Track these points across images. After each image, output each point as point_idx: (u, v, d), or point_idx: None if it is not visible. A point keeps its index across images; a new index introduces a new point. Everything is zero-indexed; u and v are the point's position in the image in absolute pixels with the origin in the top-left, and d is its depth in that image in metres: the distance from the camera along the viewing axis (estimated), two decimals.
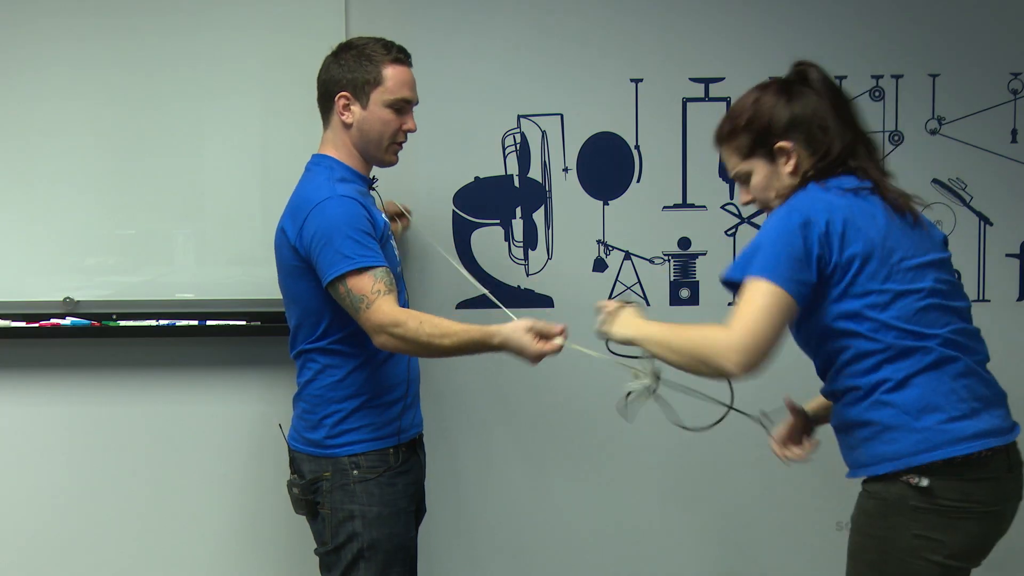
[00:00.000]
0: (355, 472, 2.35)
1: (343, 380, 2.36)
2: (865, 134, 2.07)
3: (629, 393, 2.19)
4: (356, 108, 2.36)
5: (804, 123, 2.03)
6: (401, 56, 2.39)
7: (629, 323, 2.12)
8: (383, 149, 2.39)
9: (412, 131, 2.41)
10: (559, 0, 2.86)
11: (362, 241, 2.25)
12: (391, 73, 2.35)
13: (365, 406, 2.36)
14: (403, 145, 2.43)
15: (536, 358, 2.23)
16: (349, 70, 2.36)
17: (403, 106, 2.38)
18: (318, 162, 2.41)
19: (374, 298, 2.22)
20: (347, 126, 2.37)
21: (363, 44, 2.38)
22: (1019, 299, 2.90)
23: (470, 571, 3.02)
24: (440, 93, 2.82)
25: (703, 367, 1.93)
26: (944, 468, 1.92)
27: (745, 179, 2.09)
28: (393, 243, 2.45)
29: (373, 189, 2.48)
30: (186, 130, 2.89)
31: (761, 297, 1.90)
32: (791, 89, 2.06)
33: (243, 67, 2.87)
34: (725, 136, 2.09)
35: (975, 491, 1.95)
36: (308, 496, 2.39)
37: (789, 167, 2.04)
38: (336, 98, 2.36)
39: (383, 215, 2.42)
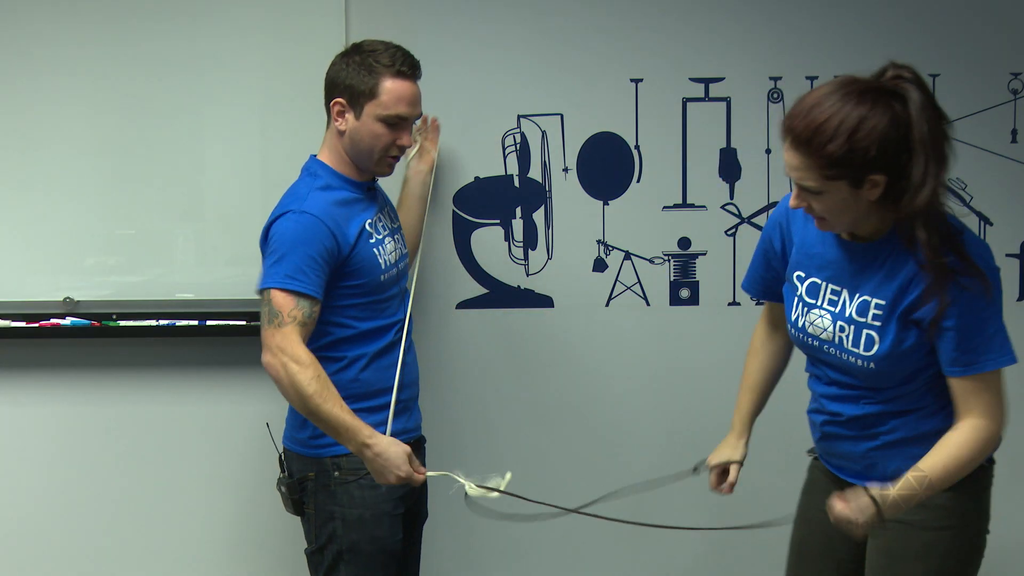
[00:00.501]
0: (336, 474, 2.34)
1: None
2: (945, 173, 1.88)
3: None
4: (349, 116, 2.33)
5: (901, 156, 1.83)
6: (404, 69, 2.32)
7: (895, 506, 1.94)
8: (374, 162, 2.37)
9: (406, 147, 2.38)
10: (559, 0, 2.86)
11: (304, 266, 2.22)
12: (388, 87, 2.30)
13: (351, 408, 2.31)
14: (399, 159, 2.41)
15: (400, 478, 2.20)
16: (348, 76, 2.32)
17: (397, 122, 2.33)
18: (307, 167, 2.40)
19: (288, 321, 2.20)
20: (340, 132, 2.35)
21: (370, 51, 2.33)
22: (1019, 299, 2.90)
23: (474, 572, 3.02)
24: (440, 93, 2.82)
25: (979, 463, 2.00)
26: None
27: (815, 192, 1.88)
28: (387, 243, 2.41)
29: (373, 188, 2.46)
30: (186, 130, 2.89)
31: (1002, 382, 1.97)
32: (895, 112, 1.82)
33: (243, 67, 2.87)
34: (809, 151, 1.84)
35: None
36: (295, 495, 2.39)
37: (874, 196, 1.86)
38: (332, 102, 2.35)
39: (372, 221, 2.39)
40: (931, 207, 1.86)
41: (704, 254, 2.90)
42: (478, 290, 2.93)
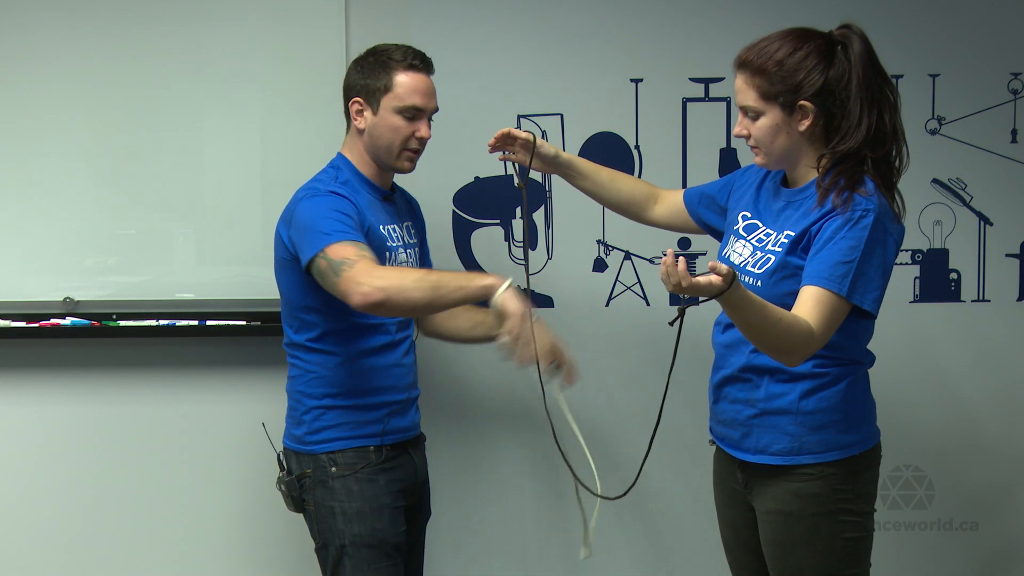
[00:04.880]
0: (333, 469, 2.36)
1: (323, 377, 2.37)
2: (886, 129, 2.05)
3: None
4: (368, 114, 2.37)
5: (829, 96, 2.03)
6: (417, 63, 2.38)
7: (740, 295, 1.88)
8: (394, 156, 2.38)
9: (425, 139, 2.40)
10: (559, 0, 2.86)
11: (344, 221, 2.24)
12: (402, 80, 2.36)
13: (345, 405, 2.37)
14: (419, 153, 2.41)
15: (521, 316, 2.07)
16: (364, 76, 2.38)
17: (414, 113, 2.37)
18: (332, 161, 2.44)
19: (358, 260, 2.13)
20: (360, 131, 2.39)
21: (383, 50, 2.39)
22: (1019, 299, 2.90)
23: (475, 570, 3.02)
24: (440, 93, 2.82)
25: (775, 355, 2.01)
26: None
27: (753, 116, 2.08)
28: (399, 252, 2.42)
29: (389, 200, 2.46)
30: (186, 130, 2.89)
31: (842, 316, 2.00)
32: (833, 55, 2.04)
33: (243, 68, 2.87)
34: (752, 70, 2.06)
35: None
36: (295, 493, 2.41)
37: (803, 126, 2.05)
38: (351, 103, 2.39)
39: (386, 226, 2.40)
40: (860, 156, 2.03)
41: (704, 254, 2.90)
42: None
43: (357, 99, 2.38)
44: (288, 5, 2.85)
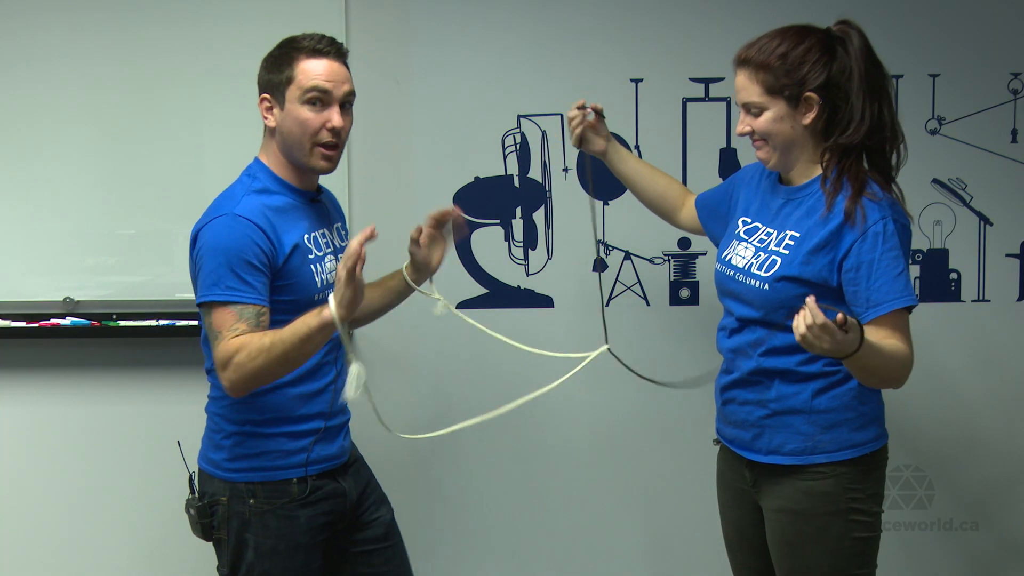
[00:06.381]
0: (251, 501, 2.20)
1: (244, 403, 2.16)
2: (885, 123, 2.07)
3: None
4: (276, 110, 2.18)
5: (833, 89, 2.05)
6: (321, 47, 2.16)
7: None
8: (306, 152, 2.16)
9: (338, 128, 2.15)
10: (559, 1, 2.86)
11: (240, 273, 2.06)
12: (303, 67, 2.14)
13: (267, 433, 2.19)
14: (338, 149, 2.18)
15: (346, 270, 1.91)
16: (268, 70, 2.19)
17: (320, 98, 2.14)
18: (248, 168, 2.26)
19: (229, 335, 2.04)
20: (272, 131, 2.20)
21: (288, 41, 2.20)
22: (1019, 299, 2.90)
23: (454, 571, 3.02)
24: (440, 93, 2.82)
25: (882, 386, 2.12)
26: None
27: (756, 112, 2.09)
28: (327, 261, 2.23)
29: (317, 200, 2.27)
30: (186, 130, 2.89)
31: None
32: (834, 49, 2.06)
33: (244, 67, 2.84)
34: (754, 66, 2.07)
35: None
36: (204, 519, 2.26)
37: (808, 119, 2.06)
38: (259, 101, 2.20)
39: (312, 235, 2.21)
40: (862, 147, 2.06)
41: (704, 254, 2.90)
42: (478, 290, 2.93)
43: (264, 96, 2.18)
44: (288, 5, 2.85)
